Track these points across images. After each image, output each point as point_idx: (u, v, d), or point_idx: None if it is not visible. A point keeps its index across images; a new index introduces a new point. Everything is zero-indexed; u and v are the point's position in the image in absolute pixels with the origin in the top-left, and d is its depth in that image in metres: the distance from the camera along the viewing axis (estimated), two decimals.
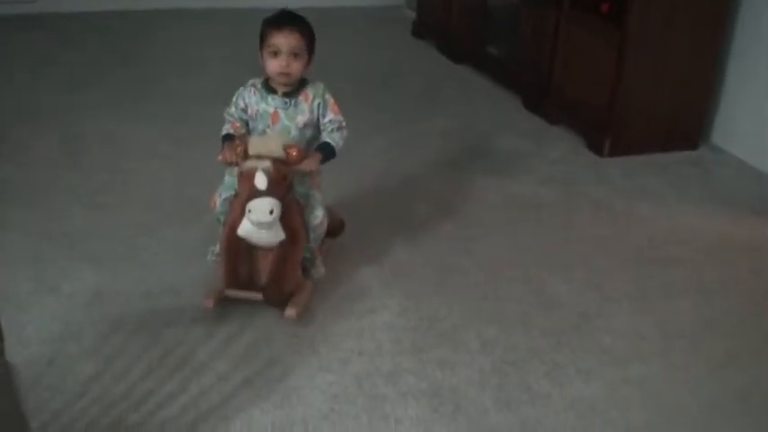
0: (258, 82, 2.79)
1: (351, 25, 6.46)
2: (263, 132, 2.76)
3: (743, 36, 4.23)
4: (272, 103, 2.75)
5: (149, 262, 3.06)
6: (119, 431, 2.24)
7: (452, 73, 5.47)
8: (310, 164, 2.68)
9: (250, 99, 2.78)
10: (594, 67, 4.23)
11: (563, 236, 3.44)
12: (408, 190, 3.78)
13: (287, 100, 2.75)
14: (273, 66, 2.69)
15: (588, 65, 4.29)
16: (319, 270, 2.92)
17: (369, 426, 2.31)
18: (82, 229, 3.27)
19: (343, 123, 2.80)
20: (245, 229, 2.57)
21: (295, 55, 2.67)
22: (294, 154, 2.58)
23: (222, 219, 2.81)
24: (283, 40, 2.65)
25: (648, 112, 4.19)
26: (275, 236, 2.59)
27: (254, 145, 2.59)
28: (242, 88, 2.81)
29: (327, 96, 2.78)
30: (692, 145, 4.36)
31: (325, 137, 2.77)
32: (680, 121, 4.29)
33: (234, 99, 2.81)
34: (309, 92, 2.76)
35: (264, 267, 2.71)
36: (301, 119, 2.75)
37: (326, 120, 2.77)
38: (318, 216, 2.80)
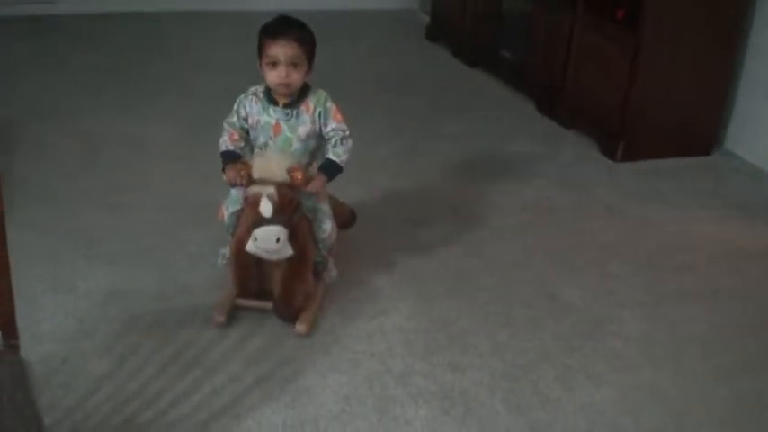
0: (260, 90, 2.71)
1: (365, 29, 6.47)
2: (265, 144, 2.69)
3: (757, 41, 4.23)
4: (273, 115, 2.68)
5: (164, 262, 3.08)
6: (131, 429, 2.26)
7: (466, 77, 5.48)
8: (316, 185, 2.62)
9: (251, 108, 2.70)
10: (608, 71, 4.23)
11: (575, 240, 3.44)
12: (421, 193, 3.79)
13: (288, 111, 2.67)
14: (272, 77, 2.61)
15: (602, 69, 4.29)
16: (331, 273, 2.93)
17: (379, 426, 2.33)
18: (98, 229, 3.29)
19: (347, 132, 2.71)
20: (252, 247, 2.54)
21: (294, 65, 2.59)
22: (299, 178, 2.52)
23: (231, 231, 2.80)
24: (280, 51, 2.57)
25: (662, 117, 4.19)
26: (284, 253, 2.56)
27: (258, 169, 2.53)
28: (242, 96, 2.74)
29: (329, 104, 2.69)
30: (706, 150, 4.36)
31: (330, 153, 2.69)
32: (693, 126, 4.29)
33: (235, 107, 2.74)
34: (311, 101, 2.68)
35: (275, 276, 2.71)
36: (303, 130, 2.68)
37: (329, 129, 2.69)
38: (326, 230, 2.78)
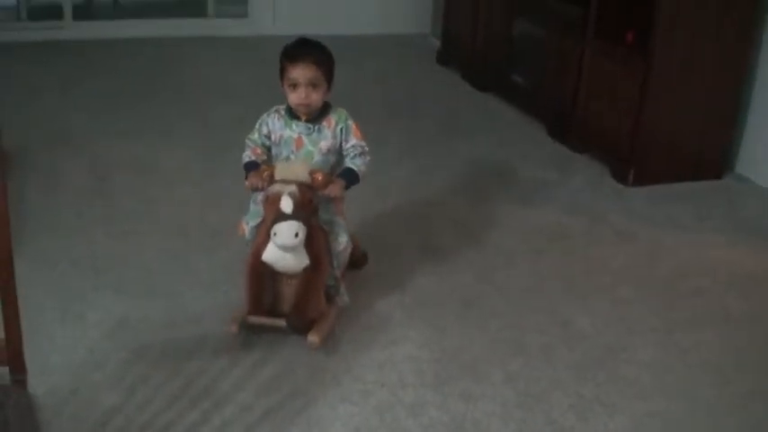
0: (282, 108, 2.83)
1: (377, 53, 6.49)
2: (288, 158, 2.79)
3: (767, 64, 4.21)
4: (295, 129, 2.79)
5: (174, 290, 3.08)
6: None
7: (477, 101, 5.48)
8: (335, 189, 2.71)
9: (274, 125, 2.82)
10: (619, 96, 4.22)
11: (587, 266, 3.42)
12: (432, 218, 3.78)
13: (310, 126, 2.79)
14: (293, 98, 2.74)
15: (613, 94, 4.29)
16: (344, 298, 2.93)
17: None
18: (108, 257, 3.29)
19: (366, 148, 2.83)
20: (270, 253, 2.59)
21: (313, 86, 2.71)
22: (320, 179, 2.63)
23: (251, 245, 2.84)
24: (300, 73, 2.70)
25: (673, 141, 4.18)
26: (300, 261, 2.61)
27: (281, 170, 2.64)
28: (265, 114, 2.86)
29: (350, 122, 2.82)
30: (717, 174, 4.34)
31: (348, 162, 2.80)
32: (704, 150, 4.28)
33: (257, 126, 2.85)
34: (333, 117, 2.80)
35: (288, 294, 2.72)
36: (324, 144, 2.79)
37: (349, 145, 2.80)
38: (342, 242, 2.83)
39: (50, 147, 4.34)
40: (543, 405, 2.55)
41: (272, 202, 2.59)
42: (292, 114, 2.80)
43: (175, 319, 2.90)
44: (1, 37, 6.09)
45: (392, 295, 3.10)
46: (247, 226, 2.87)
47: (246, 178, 2.75)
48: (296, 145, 2.79)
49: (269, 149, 2.85)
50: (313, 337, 2.70)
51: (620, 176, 4.22)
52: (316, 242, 2.68)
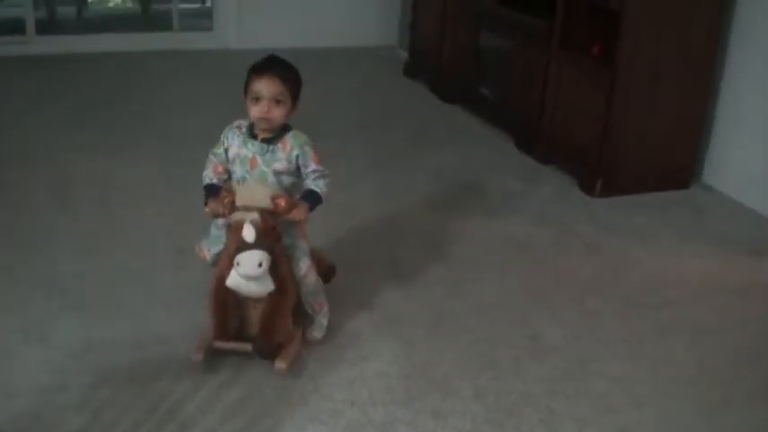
0: (244, 125, 2.76)
1: (342, 65, 6.48)
2: (243, 178, 2.72)
3: (733, 75, 4.26)
4: (251, 149, 2.72)
5: (140, 310, 3.03)
6: None
7: (444, 113, 5.48)
8: (299, 213, 2.65)
9: (233, 140, 2.74)
10: (585, 107, 4.24)
11: (556, 277, 3.42)
12: (399, 232, 3.76)
13: (265, 146, 2.71)
14: (254, 111, 2.67)
15: (579, 105, 4.30)
16: (314, 334, 2.89)
17: None
18: (72, 276, 3.24)
19: (326, 172, 2.76)
20: (233, 280, 2.54)
21: (277, 101, 2.65)
22: (282, 204, 2.56)
23: None
24: (264, 87, 2.64)
25: (639, 152, 4.20)
26: (264, 287, 2.57)
27: (242, 196, 2.57)
28: (227, 128, 2.79)
29: (307, 148, 2.72)
30: (684, 184, 4.37)
31: (310, 184, 2.74)
32: (671, 160, 4.30)
33: (221, 138, 2.78)
34: (289, 141, 2.71)
35: (254, 317, 2.68)
36: (278, 165, 2.70)
37: (309, 170, 2.73)
38: (302, 268, 2.77)
39: (13, 162, 4.28)
40: (513, 420, 2.54)
41: (235, 230, 2.53)
42: (251, 133, 2.73)
43: (141, 339, 2.86)
44: None
45: (360, 311, 3.08)
46: (209, 252, 2.81)
47: (206, 203, 2.68)
48: (250, 165, 2.72)
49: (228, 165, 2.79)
50: (280, 364, 2.66)
51: (588, 187, 4.24)
52: (280, 267, 2.63)
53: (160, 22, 7.22)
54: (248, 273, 2.50)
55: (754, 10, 4.12)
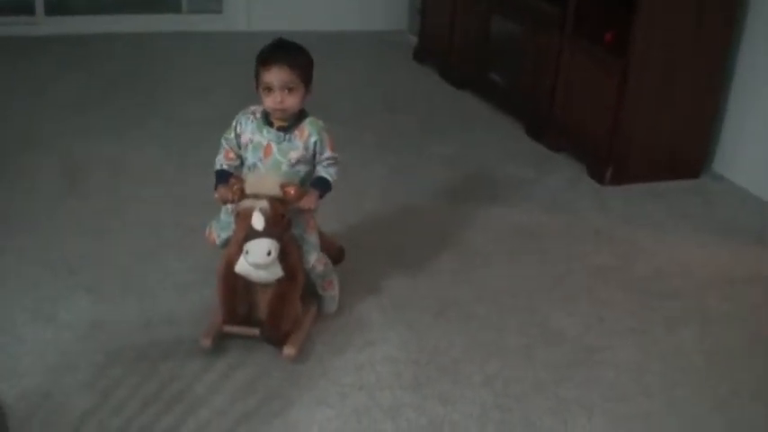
0: (258, 111, 2.72)
1: (352, 50, 6.45)
2: (255, 165, 2.70)
3: (745, 65, 4.23)
4: (266, 136, 2.68)
5: (148, 291, 3.03)
6: None
7: (454, 99, 5.46)
8: (309, 201, 2.63)
9: (246, 126, 2.71)
10: (596, 95, 4.22)
11: (565, 266, 3.41)
12: (408, 218, 3.75)
13: (281, 134, 2.68)
14: (268, 102, 2.63)
15: (590, 93, 4.28)
16: (331, 301, 2.92)
17: None
18: (81, 257, 3.24)
19: (339, 159, 2.75)
20: (242, 266, 2.53)
21: (289, 89, 2.60)
22: (292, 192, 2.53)
23: None
24: (274, 77, 2.59)
25: (650, 140, 4.17)
26: (273, 274, 2.55)
27: (251, 184, 2.54)
28: (241, 113, 2.75)
29: (325, 134, 2.70)
30: (694, 173, 4.35)
31: (321, 171, 2.72)
32: (682, 149, 4.28)
33: (233, 123, 2.74)
34: (306, 128, 2.69)
35: (263, 302, 2.68)
36: (294, 155, 2.68)
37: (324, 156, 2.71)
38: (310, 261, 2.76)
39: (22, 145, 4.27)
40: (522, 407, 2.54)
41: (244, 217, 2.51)
42: (266, 119, 2.69)
43: (150, 319, 2.86)
44: None
45: (369, 296, 3.07)
46: (219, 238, 2.79)
47: (216, 189, 2.66)
48: (264, 152, 2.68)
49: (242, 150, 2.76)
50: (289, 350, 2.66)
51: (598, 175, 4.22)
52: (290, 254, 2.62)
53: (169, 4, 7.18)
54: (257, 261, 2.48)
55: None
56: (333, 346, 2.78)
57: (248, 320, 2.71)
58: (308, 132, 2.69)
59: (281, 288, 2.64)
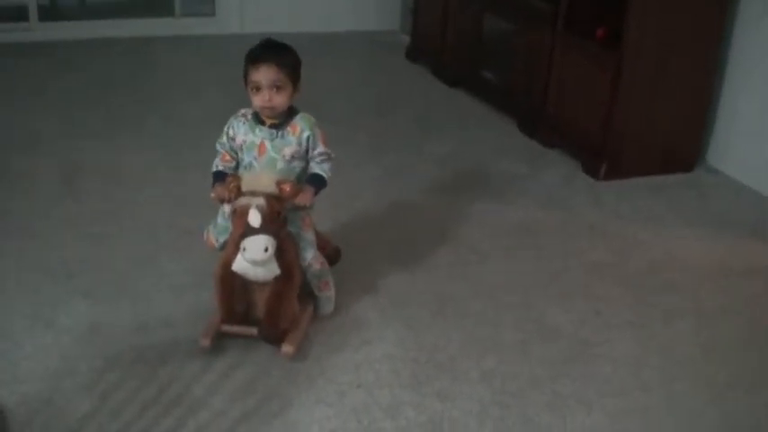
0: (249, 112, 2.75)
1: (345, 50, 6.46)
2: (251, 164, 2.72)
3: (737, 58, 4.24)
4: (259, 135, 2.71)
5: (145, 294, 3.04)
6: None
7: (447, 97, 5.47)
8: (305, 198, 2.65)
9: (239, 129, 2.74)
10: (589, 90, 4.23)
11: (561, 261, 3.42)
12: (404, 216, 3.76)
13: (273, 131, 2.71)
14: (257, 101, 2.66)
15: (583, 89, 4.29)
16: (328, 302, 2.93)
17: None
18: (78, 261, 3.24)
19: (332, 155, 2.77)
20: (239, 264, 2.54)
21: (277, 88, 2.63)
22: (287, 189, 2.56)
23: None
24: (262, 76, 2.62)
25: (644, 134, 4.19)
26: (270, 271, 2.56)
27: (248, 182, 2.56)
28: (232, 117, 2.78)
29: (317, 129, 2.74)
30: (688, 167, 4.36)
31: (315, 168, 2.75)
32: (675, 143, 4.29)
33: (225, 128, 2.77)
34: (298, 124, 2.72)
35: (261, 301, 2.69)
36: (288, 150, 2.71)
37: (316, 152, 2.74)
38: (307, 258, 2.78)
39: (17, 149, 4.27)
40: (520, 403, 2.55)
41: (240, 215, 2.53)
42: (257, 119, 2.73)
43: (147, 322, 2.86)
44: None
45: (366, 295, 3.08)
46: (217, 243, 2.83)
47: (213, 188, 2.69)
48: (258, 151, 2.71)
49: (237, 153, 2.78)
50: (287, 348, 2.67)
51: (592, 171, 4.23)
52: (287, 251, 2.64)
53: (162, 8, 7.19)
54: (254, 257, 2.50)
55: None
56: (331, 344, 2.79)
57: (246, 320, 2.72)
58: (300, 128, 2.72)
59: (279, 286, 2.65)
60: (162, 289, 3.07)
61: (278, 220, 2.56)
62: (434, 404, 2.52)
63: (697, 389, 2.67)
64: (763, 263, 3.50)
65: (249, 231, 2.49)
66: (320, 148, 2.74)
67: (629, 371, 2.74)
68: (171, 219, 3.59)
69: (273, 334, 2.67)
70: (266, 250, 2.49)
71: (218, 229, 2.83)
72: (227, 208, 2.71)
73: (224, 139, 2.77)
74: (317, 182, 2.73)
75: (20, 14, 6.43)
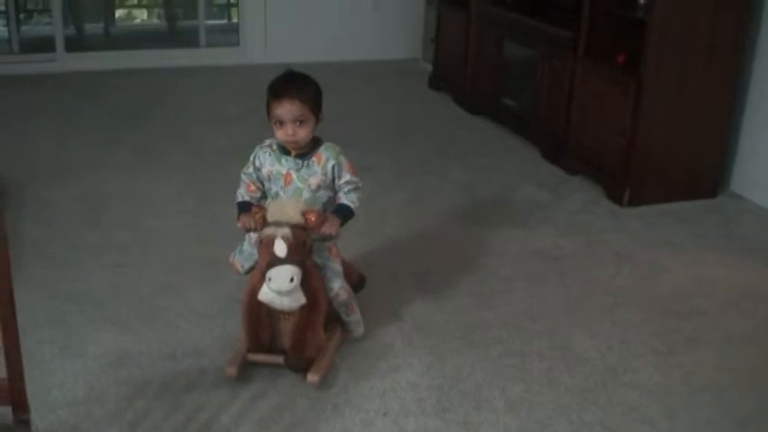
0: (274, 142, 2.79)
1: (368, 78, 6.51)
2: (277, 194, 2.76)
3: (759, 83, 4.24)
4: (285, 165, 2.75)
5: (172, 323, 3.07)
6: None
7: (470, 124, 5.50)
8: (330, 227, 2.67)
9: (265, 159, 2.78)
10: (611, 117, 4.24)
11: (586, 288, 3.42)
12: (428, 243, 3.78)
13: (299, 161, 2.74)
14: (280, 135, 2.70)
15: (605, 115, 4.30)
16: (357, 326, 2.95)
17: None
18: (105, 290, 3.28)
19: (360, 184, 2.80)
20: (265, 295, 2.56)
21: (300, 122, 2.67)
22: (313, 219, 2.58)
23: None
24: (284, 111, 2.66)
25: (667, 161, 4.19)
26: (296, 300, 2.58)
27: (273, 212, 2.58)
28: (258, 148, 2.82)
29: (342, 159, 2.77)
30: (711, 193, 4.35)
31: (342, 198, 2.77)
32: (698, 169, 4.29)
33: (251, 158, 2.81)
34: (323, 153, 2.75)
35: (286, 330, 2.70)
36: (314, 180, 2.74)
37: (343, 181, 2.76)
38: (334, 288, 2.80)
39: (45, 179, 4.34)
40: (546, 431, 2.54)
41: (266, 245, 2.55)
42: (283, 149, 2.76)
43: (174, 351, 2.89)
44: None
45: (391, 323, 3.10)
46: (242, 269, 2.87)
47: (238, 219, 2.71)
48: (285, 181, 2.75)
49: (263, 183, 2.82)
50: (313, 377, 2.68)
51: (615, 197, 4.23)
52: (312, 280, 2.66)
53: (187, 39, 7.29)
54: (280, 288, 2.52)
55: None
56: (356, 372, 2.80)
57: (272, 348, 2.74)
58: (325, 157, 2.75)
59: (304, 315, 2.67)
60: (189, 318, 3.09)
61: (303, 249, 2.57)
62: None
63: (723, 416, 2.66)
64: None
65: (275, 261, 2.51)
66: (346, 177, 2.76)
67: (654, 398, 2.73)
68: (197, 248, 3.62)
69: (299, 363, 2.68)
70: (292, 280, 2.51)
71: (244, 255, 2.86)
72: (254, 238, 2.73)
73: (250, 169, 2.81)
74: (344, 212, 2.75)
75: (47, 45, 6.54)
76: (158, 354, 2.87)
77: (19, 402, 1.78)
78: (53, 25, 6.57)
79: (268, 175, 2.77)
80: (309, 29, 6.73)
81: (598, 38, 4.40)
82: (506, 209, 4.21)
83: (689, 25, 3.99)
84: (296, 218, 2.57)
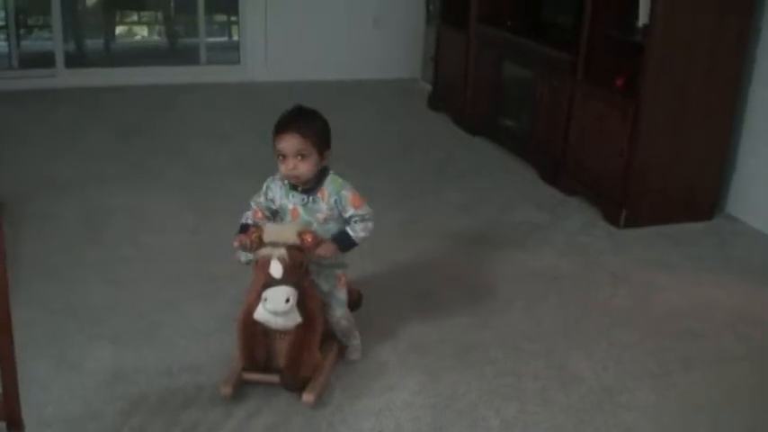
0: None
1: (367, 98, 6.54)
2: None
3: (755, 106, 4.27)
4: (291, 200, 2.77)
5: (170, 339, 3.07)
6: None
7: (468, 145, 5.52)
8: (326, 250, 2.68)
9: (276, 192, 2.80)
10: (609, 138, 4.26)
11: (582, 309, 3.43)
12: (425, 263, 3.79)
13: (305, 197, 2.76)
14: (282, 168, 2.71)
15: (603, 137, 4.33)
16: (355, 350, 2.96)
17: None
18: (103, 305, 3.29)
19: (367, 216, 2.79)
20: (261, 314, 2.56)
21: (302, 156, 2.67)
22: (309, 240, 2.58)
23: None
24: (286, 145, 2.67)
25: (664, 182, 4.21)
26: (292, 320, 2.58)
27: (270, 233, 2.59)
28: (270, 178, 2.82)
29: (345, 192, 2.76)
30: (708, 215, 4.37)
31: (348, 228, 2.78)
32: (695, 191, 4.31)
33: (263, 189, 2.83)
34: (327, 188, 2.75)
35: (282, 349, 2.70)
36: (321, 215, 2.76)
37: (348, 215, 2.76)
38: (336, 315, 2.83)
39: (44, 194, 4.35)
40: None
41: (262, 265, 2.56)
42: (292, 184, 2.77)
43: (171, 368, 2.89)
44: None
45: (386, 342, 3.10)
46: (243, 258, 2.81)
47: (237, 237, 2.72)
48: (292, 215, 2.77)
49: (274, 213, 2.83)
50: (308, 397, 2.68)
51: (612, 218, 4.25)
52: (309, 301, 2.66)
53: (187, 56, 7.32)
54: (276, 308, 2.52)
55: None
56: (351, 391, 2.80)
57: (268, 367, 2.74)
58: (328, 193, 2.75)
59: (300, 335, 2.67)
60: (187, 334, 3.10)
61: (300, 270, 2.58)
62: None
63: None
64: None
65: (271, 282, 2.52)
66: (351, 211, 2.76)
67: (649, 418, 2.73)
68: (196, 264, 3.63)
69: (294, 382, 2.68)
70: (287, 301, 2.51)
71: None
72: (242, 255, 2.74)
73: (261, 198, 2.82)
74: (343, 239, 2.76)
75: (47, 61, 6.57)
76: (155, 370, 2.88)
77: (13, 419, 1.78)
78: (53, 41, 6.61)
79: (278, 208, 2.80)
80: (310, 47, 6.76)
81: (597, 60, 4.43)
82: (505, 230, 4.22)
83: (687, 49, 4.01)
84: (292, 239, 2.58)
